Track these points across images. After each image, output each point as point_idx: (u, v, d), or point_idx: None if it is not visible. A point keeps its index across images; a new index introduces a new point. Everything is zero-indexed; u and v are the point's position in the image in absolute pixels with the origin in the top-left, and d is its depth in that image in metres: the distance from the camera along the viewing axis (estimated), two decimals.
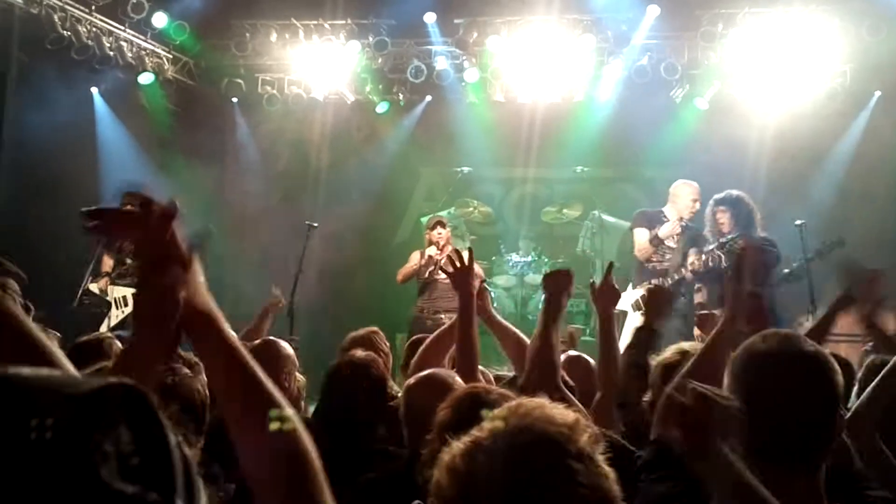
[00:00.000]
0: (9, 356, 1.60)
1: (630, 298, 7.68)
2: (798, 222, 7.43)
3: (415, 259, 8.60)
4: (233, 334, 1.34)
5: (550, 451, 1.20)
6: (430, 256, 8.34)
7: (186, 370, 2.68)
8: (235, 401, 1.29)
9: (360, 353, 3.49)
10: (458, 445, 1.25)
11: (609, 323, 3.57)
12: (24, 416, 0.64)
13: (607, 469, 1.23)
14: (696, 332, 7.38)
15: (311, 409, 4.10)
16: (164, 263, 1.27)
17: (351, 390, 3.19)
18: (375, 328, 4.70)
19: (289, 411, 1.26)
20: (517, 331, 3.90)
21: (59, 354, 1.58)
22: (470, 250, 3.61)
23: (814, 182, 9.56)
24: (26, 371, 0.69)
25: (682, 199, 7.98)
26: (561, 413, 1.26)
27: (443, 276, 8.10)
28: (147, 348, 1.41)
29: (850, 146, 9.70)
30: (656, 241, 7.89)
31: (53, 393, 0.66)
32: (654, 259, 7.91)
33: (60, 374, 0.71)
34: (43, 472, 0.62)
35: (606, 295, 3.63)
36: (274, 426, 1.24)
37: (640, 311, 5.95)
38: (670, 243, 7.96)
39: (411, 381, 3.01)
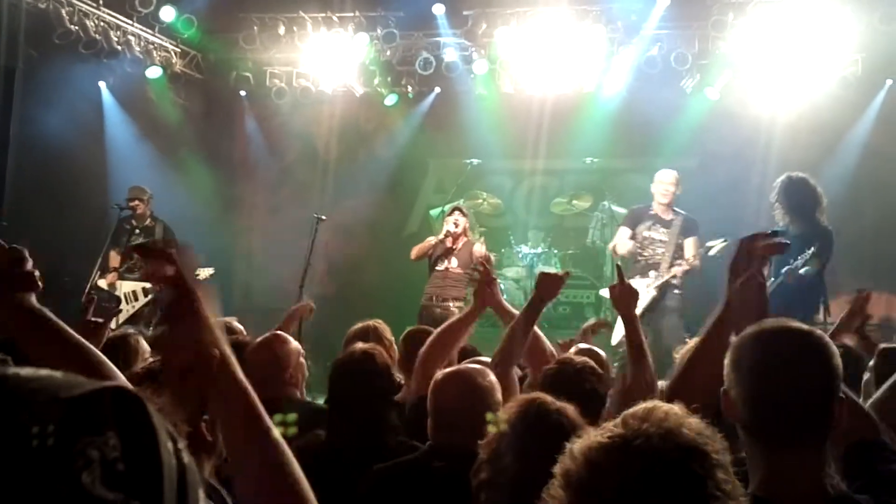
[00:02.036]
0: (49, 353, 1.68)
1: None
2: None
3: (430, 241, 8.53)
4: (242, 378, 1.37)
5: (702, 460, 1.21)
6: (447, 232, 8.16)
7: None
8: (241, 439, 1.37)
9: (360, 345, 3.43)
10: (597, 440, 1.24)
11: (633, 323, 3.33)
12: (14, 418, 0.64)
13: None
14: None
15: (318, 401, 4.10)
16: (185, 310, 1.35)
17: (356, 384, 3.16)
18: (378, 320, 4.68)
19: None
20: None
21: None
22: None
23: (826, 171, 9.45)
24: (25, 372, 0.69)
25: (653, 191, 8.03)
26: (697, 420, 1.27)
27: (454, 265, 8.09)
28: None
29: (863, 135, 9.63)
30: (636, 237, 7.91)
31: (47, 395, 0.66)
32: (642, 254, 7.87)
33: (60, 376, 0.70)
34: (24, 474, 0.62)
35: (624, 296, 3.40)
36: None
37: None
38: (658, 235, 7.90)
39: (439, 376, 2.98)
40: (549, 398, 2.33)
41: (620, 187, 10.55)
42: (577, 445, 1.26)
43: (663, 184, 7.97)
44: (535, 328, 3.67)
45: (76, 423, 0.64)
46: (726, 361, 1.91)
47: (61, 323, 1.70)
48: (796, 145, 9.26)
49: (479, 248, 8.11)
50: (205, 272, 8.56)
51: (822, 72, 9.33)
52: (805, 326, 1.90)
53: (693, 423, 1.26)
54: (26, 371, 0.69)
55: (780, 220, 6.95)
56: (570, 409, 2.33)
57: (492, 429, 1.96)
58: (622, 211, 9.68)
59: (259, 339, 3.90)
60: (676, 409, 1.28)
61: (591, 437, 1.26)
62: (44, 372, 0.69)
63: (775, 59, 9.37)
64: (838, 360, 1.82)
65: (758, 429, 1.79)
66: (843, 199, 9.01)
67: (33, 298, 1.68)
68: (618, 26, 9.65)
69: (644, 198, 10.63)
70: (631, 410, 1.29)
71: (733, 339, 2.45)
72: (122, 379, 1.72)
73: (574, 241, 10.24)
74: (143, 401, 0.69)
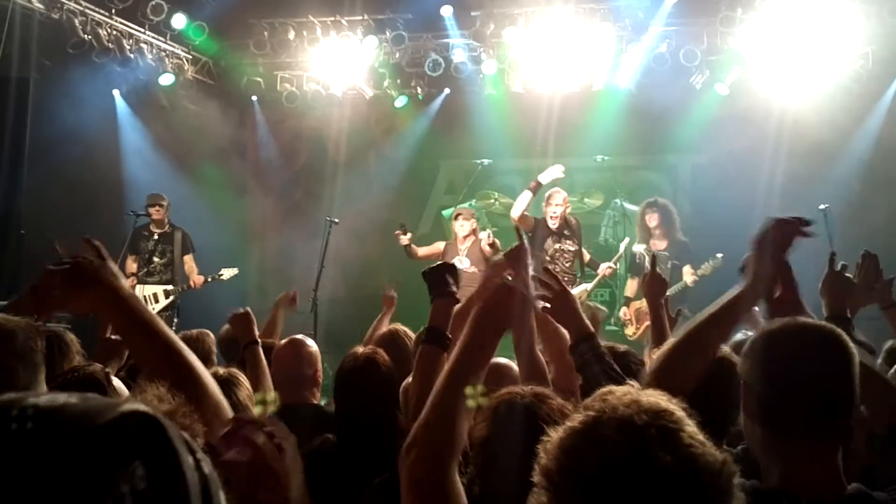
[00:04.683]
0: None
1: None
2: (822, 207, 7.35)
3: (438, 247, 8.65)
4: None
5: (670, 415, 1.27)
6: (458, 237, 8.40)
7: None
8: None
9: (362, 349, 3.40)
10: (566, 429, 1.30)
11: (657, 313, 3.62)
12: (42, 453, 0.64)
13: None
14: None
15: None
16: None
17: (360, 390, 3.15)
18: (397, 326, 4.65)
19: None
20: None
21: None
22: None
23: (837, 166, 9.47)
24: (44, 400, 0.69)
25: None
26: (652, 391, 1.35)
27: (467, 265, 8.15)
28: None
29: (874, 129, 9.59)
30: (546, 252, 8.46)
31: (73, 427, 0.66)
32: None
33: (78, 401, 0.69)
34: None
35: (654, 285, 3.70)
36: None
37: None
38: (566, 246, 8.47)
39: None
40: (516, 390, 2.34)
41: (632, 184, 10.56)
42: (548, 444, 1.30)
43: (552, 206, 8.45)
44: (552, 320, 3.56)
45: (104, 455, 0.65)
46: (746, 355, 1.95)
47: (153, 315, 1.80)
48: (807, 140, 9.25)
49: (484, 235, 8.25)
50: (228, 272, 8.67)
51: (831, 66, 9.30)
52: (826, 324, 1.95)
53: (650, 392, 1.32)
54: (45, 399, 0.69)
55: (659, 244, 8.23)
56: (546, 395, 2.33)
57: (470, 403, 1.95)
58: (634, 208, 9.69)
59: (284, 341, 3.95)
60: (630, 388, 1.34)
61: (559, 430, 1.31)
62: (61, 398, 0.69)
63: (785, 54, 9.35)
64: (857, 360, 1.87)
65: (779, 423, 1.82)
66: (854, 194, 9.01)
67: (126, 287, 1.80)
68: (626, 24, 9.66)
69: (655, 194, 10.64)
70: (589, 399, 1.34)
71: (742, 335, 2.47)
72: (204, 374, 1.76)
73: (586, 239, 10.20)
74: (163, 422, 0.70)
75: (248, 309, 3.87)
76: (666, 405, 1.28)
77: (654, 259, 4.02)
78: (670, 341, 2.26)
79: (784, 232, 2.20)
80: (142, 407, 0.71)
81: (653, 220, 8.35)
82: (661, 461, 1.20)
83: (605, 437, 1.23)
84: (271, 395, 3.36)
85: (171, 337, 1.74)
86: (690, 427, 1.26)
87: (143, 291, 8.55)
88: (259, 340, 3.75)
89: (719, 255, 7.91)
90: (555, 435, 1.30)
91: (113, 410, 0.68)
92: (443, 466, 1.69)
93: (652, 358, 2.98)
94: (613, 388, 1.34)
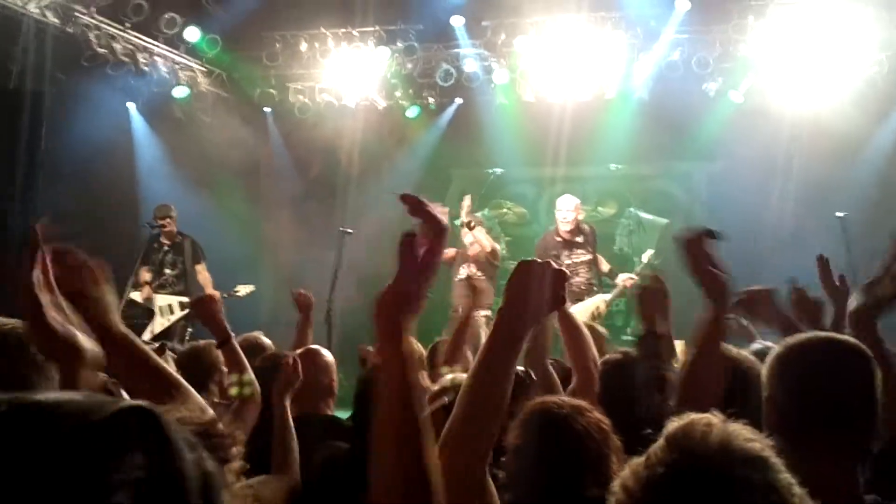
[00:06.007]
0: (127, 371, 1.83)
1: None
2: (839, 214, 7.29)
3: (450, 253, 8.65)
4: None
5: (767, 467, 1.20)
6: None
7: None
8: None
9: None
10: (653, 471, 1.19)
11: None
12: (44, 447, 0.66)
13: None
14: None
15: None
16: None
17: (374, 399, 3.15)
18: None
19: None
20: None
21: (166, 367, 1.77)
22: None
23: (854, 172, 9.38)
24: (49, 397, 0.71)
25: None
26: (737, 425, 1.24)
27: (475, 270, 8.16)
28: None
29: (891, 135, 9.52)
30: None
31: (73, 421, 0.68)
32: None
33: (78, 398, 0.72)
34: (58, 502, 0.64)
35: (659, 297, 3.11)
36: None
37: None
38: (580, 258, 8.33)
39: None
40: (555, 401, 2.29)
41: (646, 193, 10.53)
42: (629, 479, 1.20)
43: (562, 211, 8.33)
44: (582, 326, 3.35)
45: (102, 447, 0.67)
46: (769, 368, 1.96)
47: (144, 345, 1.85)
48: (822, 146, 9.17)
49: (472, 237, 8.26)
50: (245, 289, 8.68)
51: (846, 72, 9.24)
52: (849, 339, 1.97)
53: (738, 429, 1.22)
54: (50, 396, 0.71)
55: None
56: (584, 409, 2.29)
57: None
58: (649, 217, 9.67)
59: (299, 351, 3.95)
60: (712, 418, 1.24)
61: (642, 468, 1.20)
62: (65, 395, 0.72)
63: (799, 61, 9.30)
64: (878, 373, 1.88)
65: (799, 435, 1.81)
66: (872, 201, 8.91)
67: (119, 322, 1.83)
68: (637, 32, 9.64)
69: (670, 202, 10.61)
70: (671, 431, 1.23)
71: (760, 344, 2.45)
72: (195, 397, 1.80)
73: (600, 248, 10.18)
74: (161, 417, 0.73)
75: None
76: (760, 450, 1.19)
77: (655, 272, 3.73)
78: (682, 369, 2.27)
79: (694, 250, 2.15)
80: (141, 403, 0.73)
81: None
82: None
83: (702, 493, 1.15)
84: (247, 376, 3.33)
85: (155, 361, 1.83)
86: (783, 474, 1.19)
87: (158, 301, 8.58)
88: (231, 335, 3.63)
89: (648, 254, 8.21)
90: (636, 474, 1.20)
91: (112, 406, 0.71)
92: (477, 462, 1.67)
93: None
94: (696, 418, 1.24)
